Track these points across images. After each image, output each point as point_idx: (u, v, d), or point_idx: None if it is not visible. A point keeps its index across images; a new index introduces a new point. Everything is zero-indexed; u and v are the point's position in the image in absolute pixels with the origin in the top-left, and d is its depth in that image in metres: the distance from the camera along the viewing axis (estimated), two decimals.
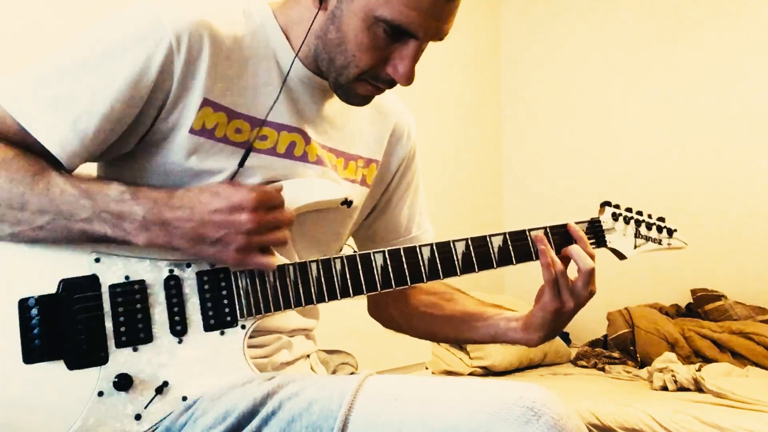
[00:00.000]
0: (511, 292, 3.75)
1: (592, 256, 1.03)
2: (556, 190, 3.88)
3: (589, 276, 1.01)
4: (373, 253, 0.98)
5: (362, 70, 0.94)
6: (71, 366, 0.86)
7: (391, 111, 1.16)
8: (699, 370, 2.62)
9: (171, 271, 0.91)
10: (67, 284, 0.87)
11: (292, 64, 0.98)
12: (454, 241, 1.02)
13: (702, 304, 3.25)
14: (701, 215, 3.35)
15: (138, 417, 0.86)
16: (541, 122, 4.03)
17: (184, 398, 0.88)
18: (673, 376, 2.59)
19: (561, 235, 1.06)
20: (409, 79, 0.94)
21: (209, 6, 0.94)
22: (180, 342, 0.89)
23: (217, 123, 0.93)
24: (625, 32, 3.75)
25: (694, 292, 3.32)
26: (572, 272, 1.03)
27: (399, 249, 0.99)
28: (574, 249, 1.03)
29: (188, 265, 0.92)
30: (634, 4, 3.74)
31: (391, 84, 0.97)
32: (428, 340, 1.25)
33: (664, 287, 3.41)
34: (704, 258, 3.28)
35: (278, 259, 0.94)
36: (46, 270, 0.87)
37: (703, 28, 3.53)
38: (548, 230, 1.05)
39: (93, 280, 0.88)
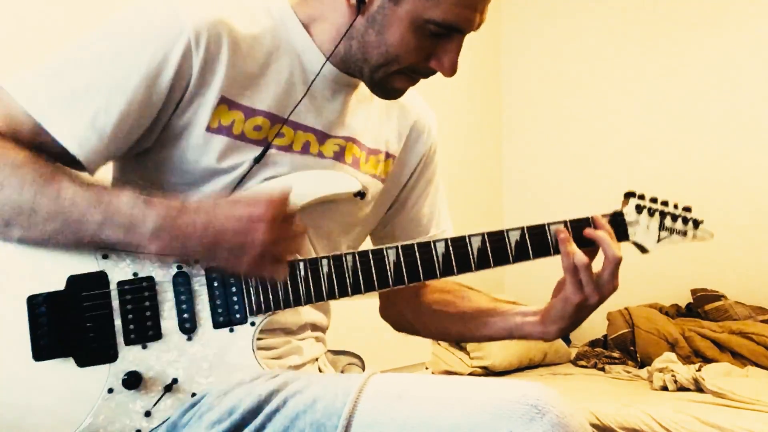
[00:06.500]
0: (511, 291, 3.75)
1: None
2: (556, 191, 3.89)
3: (616, 266, 0.98)
4: (386, 248, 0.96)
5: (404, 66, 0.96)
6: (81, 363, 0.85)
7: (411, 107, 1.16)
8: (699, 370, 2.62)
9: (180, 267, 0.90)
10: (75, 281, 0.86)
11: (322, 67, 0.98)
12: (470, 236, 0.99)
13: (702, 304, 3.25)
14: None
15: (147, 414, 0.86)
16: (541, 122, 4.03)
17: (193, 395, 0.88)
18: (673, 376, 2.59)
19: (581, 230, 1.02)
20: (454, 70, 0.96)
21: (229, 4, 0.94)
22: (189, 339, 0.89)
23: (234, 120, 0.93)
24: (626, 31, 3.75)
25: (694, 292, 3.32)
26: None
27: (413, 244, 0.97)
28: (601, 235, 1.00)
29: (197, 261, 0.90)
30: (636, 3, 3.74)
31: (428, 75, 0.99)
32: (442, 340, 1.23)
33: (664, 287, 3.41)
34: (704, 258, 3.28)
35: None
36: (54, 267, 0.86)
37: (705, 30, 3.53)
38: (568, 224, 1.02)
39: (101, 277, 0.87)
